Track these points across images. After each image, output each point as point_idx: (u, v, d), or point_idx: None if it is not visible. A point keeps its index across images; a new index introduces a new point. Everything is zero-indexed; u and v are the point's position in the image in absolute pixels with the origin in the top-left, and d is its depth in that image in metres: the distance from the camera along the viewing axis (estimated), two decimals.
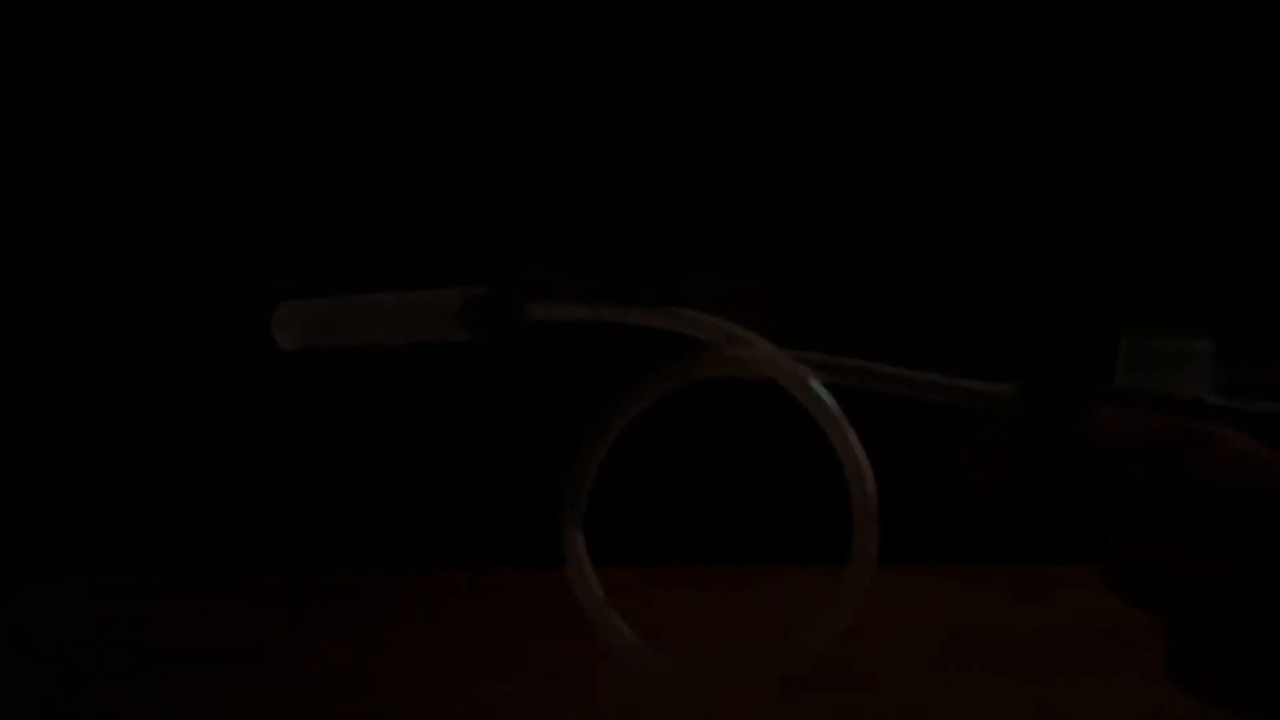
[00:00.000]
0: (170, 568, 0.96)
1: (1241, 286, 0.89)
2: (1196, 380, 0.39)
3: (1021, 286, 0.92)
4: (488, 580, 0.91)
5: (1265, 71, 0.87)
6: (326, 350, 0.44)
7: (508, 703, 0.73)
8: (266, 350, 0.46)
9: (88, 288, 0.94)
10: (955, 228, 0.93)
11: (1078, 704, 0.72)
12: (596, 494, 0.44)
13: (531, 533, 0.91)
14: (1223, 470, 0.36)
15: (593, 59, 0.92)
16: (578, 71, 0.92)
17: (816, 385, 0.43)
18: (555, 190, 0.94)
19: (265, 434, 0.98)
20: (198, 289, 0.94)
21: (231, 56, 0.92)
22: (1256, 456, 0.36)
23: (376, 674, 0.78)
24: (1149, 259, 0.91)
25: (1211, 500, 0.36)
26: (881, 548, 0.42)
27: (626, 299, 0.42)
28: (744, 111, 0.92)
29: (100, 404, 0.98)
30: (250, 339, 0.45)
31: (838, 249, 0.94)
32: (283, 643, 0.83)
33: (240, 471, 0.99)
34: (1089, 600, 0.57)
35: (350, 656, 0.80)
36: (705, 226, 0.93)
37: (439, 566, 0.92)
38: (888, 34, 0.90)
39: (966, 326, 0.90)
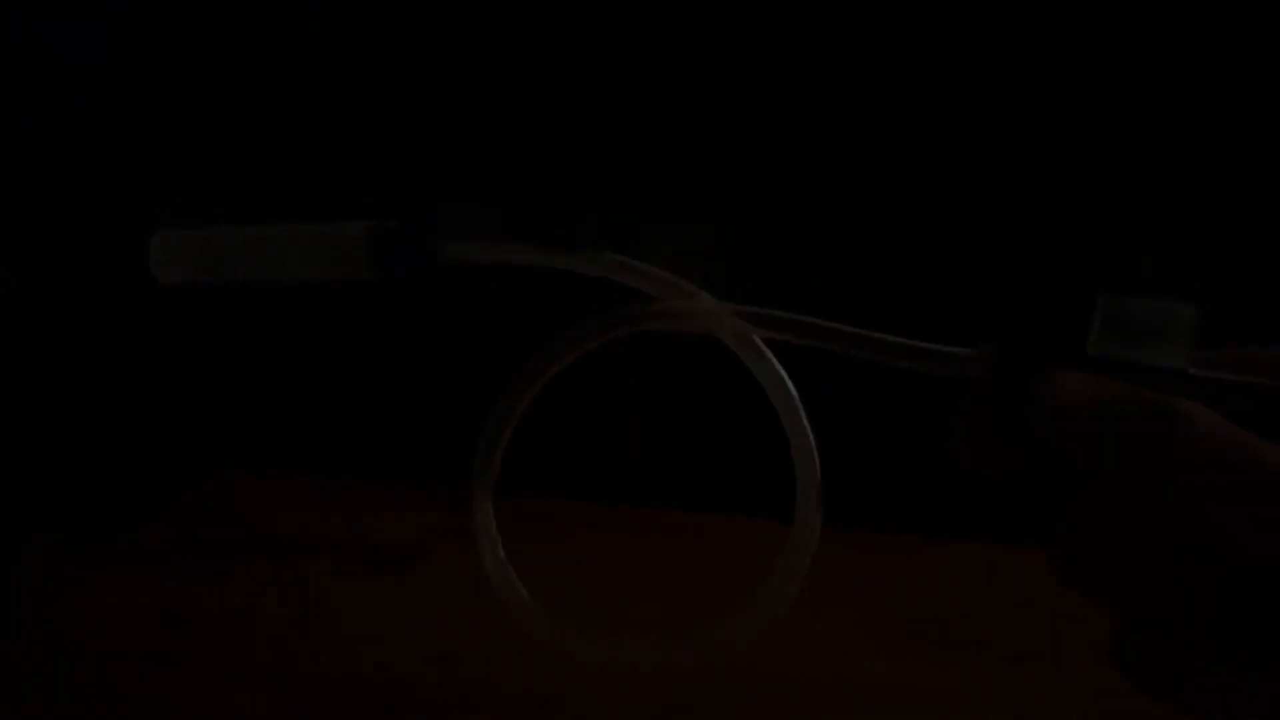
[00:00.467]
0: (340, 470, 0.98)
1: None
2: (1176, 348, 0.37)
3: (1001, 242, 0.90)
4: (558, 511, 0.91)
5: None
6: (213, 285, 0.41)
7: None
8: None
9: (88, 287, 0.94)
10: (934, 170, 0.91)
11: None
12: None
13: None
14: (1186, 450, 0.34)
15: None
16: None
17: (761, 344, 0.40)
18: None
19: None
20: None
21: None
22: (1224, 436, 0.34)
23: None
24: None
25: (1172, 480, 0.34)
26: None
27: (555, 240, 0.40)
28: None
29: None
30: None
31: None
32: (429, 550, 0.87)
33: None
34: None
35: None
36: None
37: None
38: None
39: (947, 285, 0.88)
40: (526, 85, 0.94)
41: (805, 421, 0.40)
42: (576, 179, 0.94)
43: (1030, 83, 0.91)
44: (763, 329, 0.41)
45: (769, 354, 0.41)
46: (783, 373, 0.41)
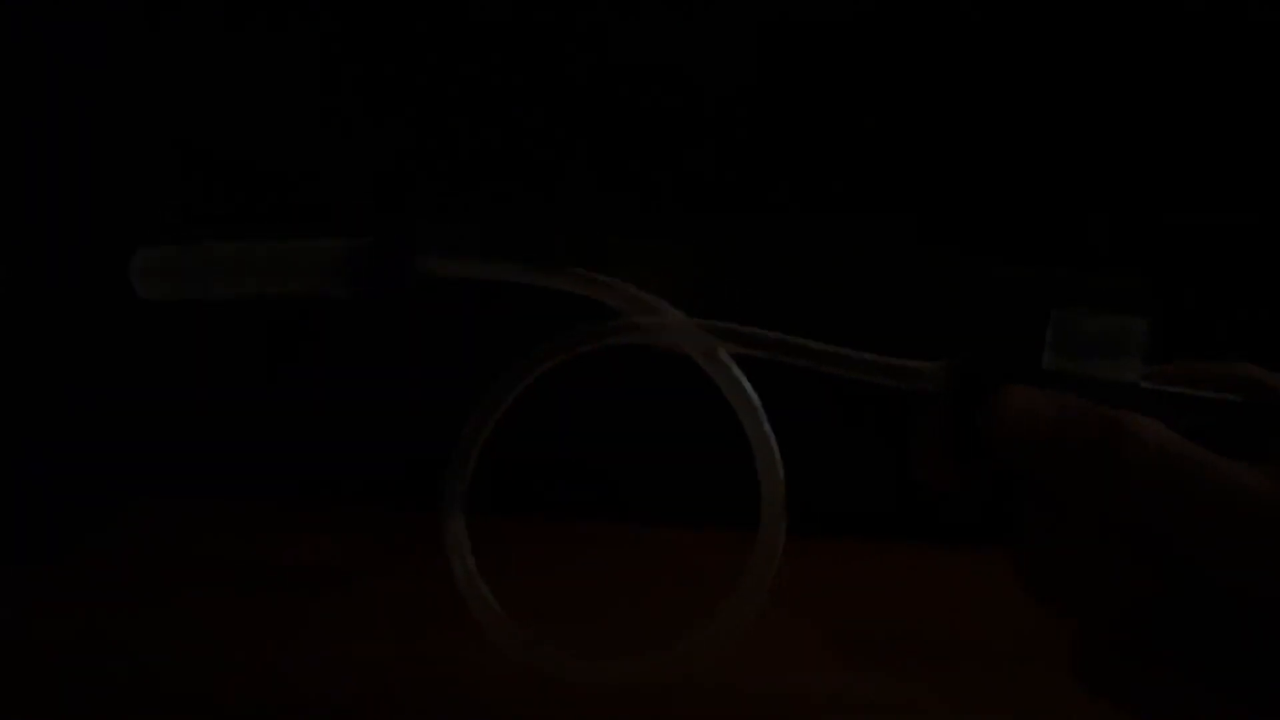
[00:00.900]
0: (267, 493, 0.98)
1: None
2: (1128, 361, 0.39)
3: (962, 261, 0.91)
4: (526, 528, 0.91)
5: None
6: (194, 301, 0.43)
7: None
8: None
9: (87, 287, 0.96)
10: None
11: None
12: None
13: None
14: (1136, 464, 0.35)
15: None
16: None
17: (727, 359, 0.42)
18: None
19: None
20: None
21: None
22: (1172, 450, 0.35)
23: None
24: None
25: (1122, 495, 0.36)
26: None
27: (528, 257, 0.41)
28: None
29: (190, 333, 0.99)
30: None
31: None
32: (355, 572, 0.87)
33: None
34: None
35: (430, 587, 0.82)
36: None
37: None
38: None
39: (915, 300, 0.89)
40: (526, 85, 0.95)
41: (770, 434, 0.42)
42: (576, 179, 0.95)
43: (1030, 82, 0.91)
44: (728, 344, 0.42)
45: (735, 368, 0.42)
46: (748, 386, 0.42)
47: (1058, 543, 0.39)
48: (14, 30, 0.96)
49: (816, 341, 0.42)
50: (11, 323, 1.00)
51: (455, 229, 0.41)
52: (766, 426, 0.42)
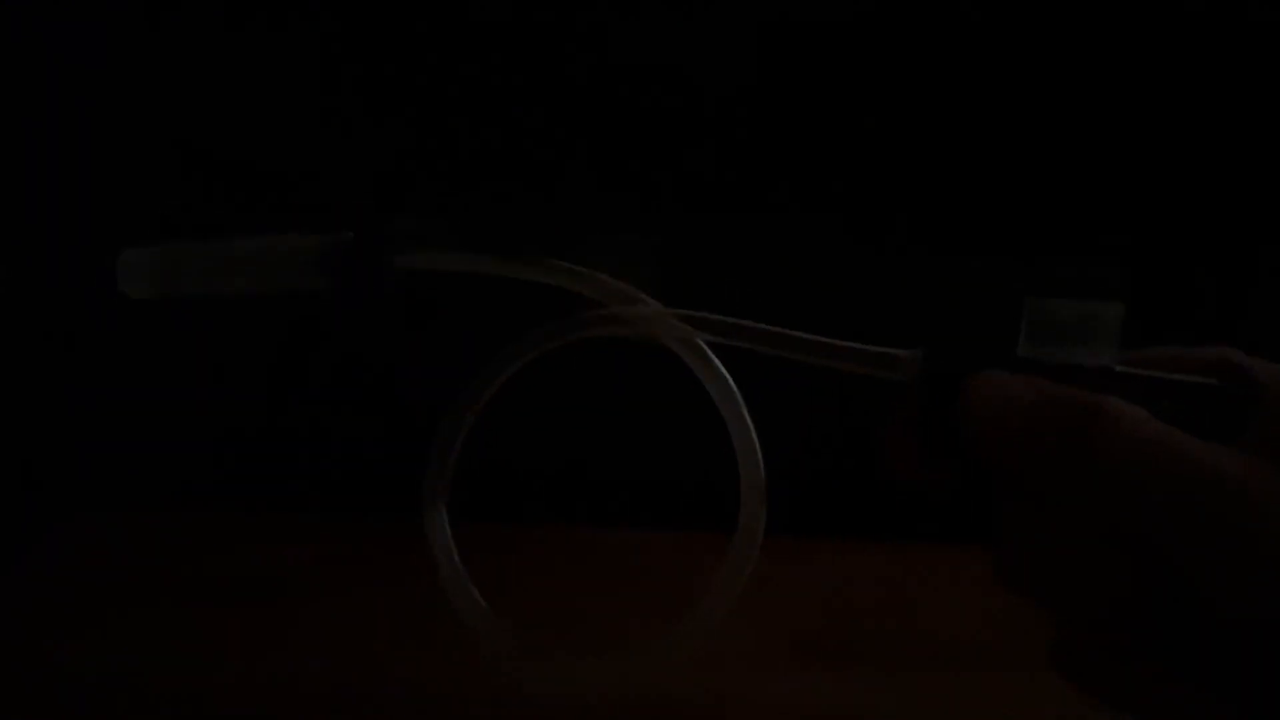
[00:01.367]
0: (205, 507, 0.99)
1: None
2: (1103, 347, 0.39)
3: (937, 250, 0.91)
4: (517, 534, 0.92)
5: None
6: (176, 299, 0.44)
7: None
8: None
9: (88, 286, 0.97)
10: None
11: None
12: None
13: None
14: (1112, 448, 0.36)
15: None
16: None
17: (705, 348, 0.43)
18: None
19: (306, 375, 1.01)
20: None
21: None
22: (1147, 433, 0.36)
23: (406, 617, 0.80)
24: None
25: (1096, 480, 0.36)
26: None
27: (505, 250, 0.42)
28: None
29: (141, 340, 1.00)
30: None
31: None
32: (309, 583, 0.87)
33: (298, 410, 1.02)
34: None
35: (379, 599, 0.84)
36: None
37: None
38: None
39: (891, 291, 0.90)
40: (526, 85, 0.96)
41: (749, 422, 0.43)
42: (576, 179, 0.96)
43: (1030, 82, 0.92)
44: (706, 333, 0.43)
45: (713, 357, 0.43)
46: (727, 375, 0.43)
47: (1034, 534, 0.39)
48: (14, 30, 0.97)
49: (793, 330, 0.42)
50: (11, 323, 1.00)
51: (433, 223, 0.42)
52: (746, 415, 0.43)
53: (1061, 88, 0.92)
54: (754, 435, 0.44)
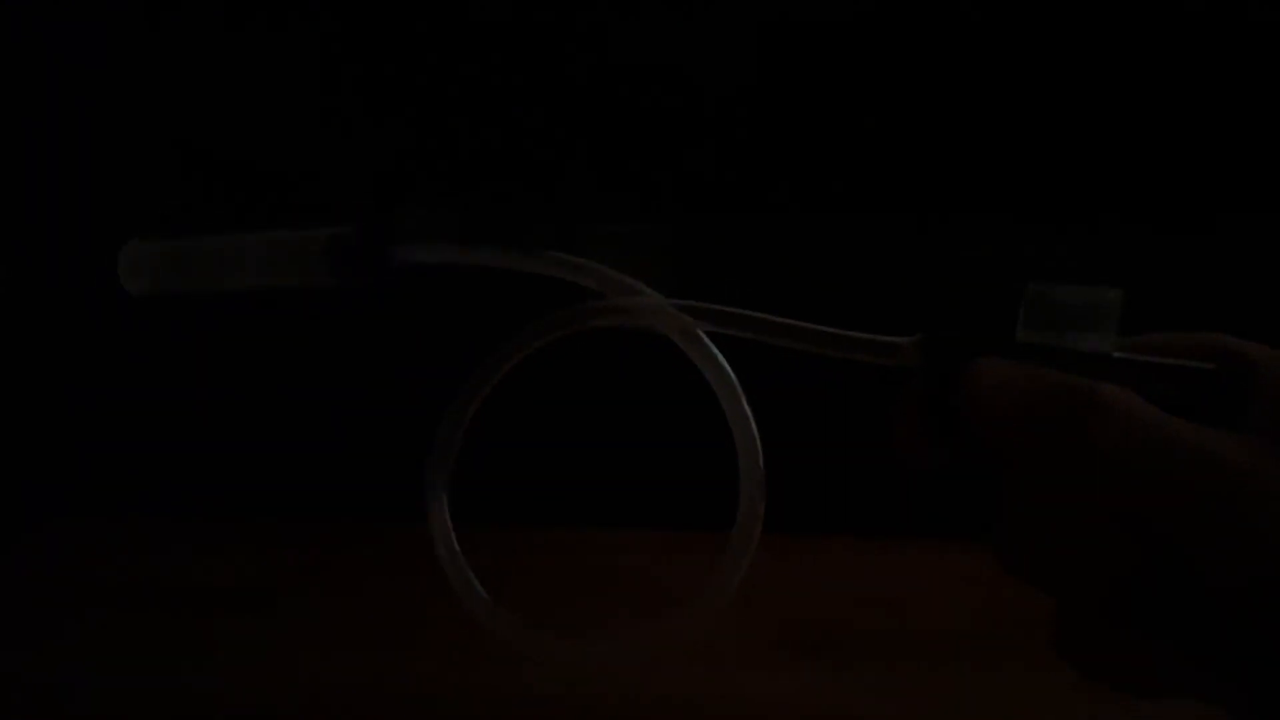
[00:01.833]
0: (187, 512, 1.00)
1: None
2: (1102, 333, 0.39)
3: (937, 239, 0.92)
4: (510, 535, 0.91)
5: None
6: (179, 295, 0.44)
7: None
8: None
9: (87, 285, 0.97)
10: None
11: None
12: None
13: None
14: (1108, 433, 0.36)
15: None
16: None
17: (705, 338, 0.43)
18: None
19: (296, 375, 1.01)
20: None
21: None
22: (1142, 419, 0.36)
23: (384, 622, 0.81)
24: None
25: (1095, 465, 0.36)
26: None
27: (507, 243, 0.43)
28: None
29: (118, 346, 1.00)
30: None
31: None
32: (281, 588, 0.87)
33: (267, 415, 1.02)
34: None
35: (356, 604, 0.84)
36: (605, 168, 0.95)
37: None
38: None
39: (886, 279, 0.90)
40: (526, 85, 0.96)
41: (749, 414, 0.44)
42: (576, 179, 0.97)
43: (1030, 82, 0.93)
44: (707, 323, 0.43)
45: (713, 348, 0.44)
46: (727, 366, 0.44)
47: (1034, 518, 0.39)
48: (14, 30, 0.98)
49: (792, 319, 0.43)
50: (11, 323, 1.01)
51: (434, 217, 0.42)
52: (746, 406, 0.43)
53: (1061, 88, 0.93)
54: (754, 427, 0.44)
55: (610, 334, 0.44)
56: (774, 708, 0.71)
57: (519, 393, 0.47)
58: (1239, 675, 0.36)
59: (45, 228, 1.00)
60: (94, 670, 0.75)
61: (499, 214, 0.42)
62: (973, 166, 0.95)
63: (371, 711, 0.71)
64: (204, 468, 1.02)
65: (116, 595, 0.85)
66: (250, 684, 0.73)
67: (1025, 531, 0.40)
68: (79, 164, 1.00)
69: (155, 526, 0.97)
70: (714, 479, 0.45)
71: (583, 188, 0.96)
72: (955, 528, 0.72)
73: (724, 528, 0.44)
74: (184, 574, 0.89)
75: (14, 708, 0.71)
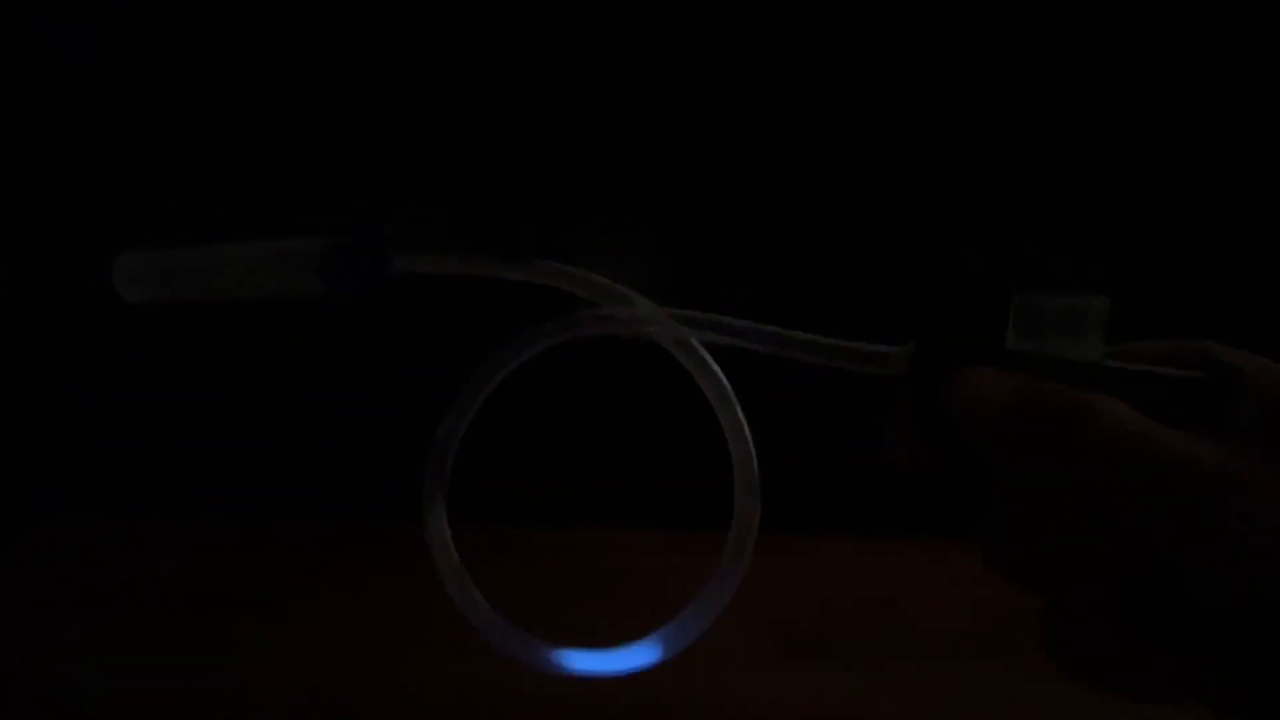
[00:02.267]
0: (188, 512, 1.00)
1: None
2: (1090, 340, 0.40)
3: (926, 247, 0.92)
4: (507, 536, 0.92)
5: None
6: (175, 304, 0.44)
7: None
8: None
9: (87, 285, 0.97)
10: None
11: None
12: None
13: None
14: (1095, 441, 0.37)
15: None
16: None
17: (698, 346, 0.44)
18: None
19: (295, 378, 1.01)
20: None
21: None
22: (1130, 427, 0.37)
23: (388, 621, 0.81)
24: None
25: (1083, 472, 0.37)
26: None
27: (500, 252, 0.43)
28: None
29: (118, 346, 1.01)
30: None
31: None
32: (283, 588, 0.87)
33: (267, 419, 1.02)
34: None
35: (360, 603, 0.84)
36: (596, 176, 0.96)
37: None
38: None
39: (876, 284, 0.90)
40: (526, 85, 0.97)
41: (743, 421, 0.44)
42: (576, 179, 0.97)
43: (1029, 82, 0.93)
44: (699, 331, 0.44)
45: (707, 355, 0.44)
46: (720, 374, 0.44)
47: (1023, 523, 0.40)
48: (14, 30, 0.98)
49: (784, 328, 0.43)
50: (11, 323, 1.01)
51: (428, 226, 0.43)
52: (740, 414, 0.44)
53: (1061, 88, 0.93)
54: (748, 434, 0.44)
55: (608, 337, 0.44)
56: (773, 707, 0.71)
57: (517, 393, 0.47)
58: (1224, 677, 0.37)
59: (45, 228, 1.00)
60: (94, 670, 0.75)
61: (491, 221, 0.42)
62: (972, 166, 0.95)
63: (371, 711, 0.71)
64: (204, 468, 1.02)
65: (116, 595, 0.86)
66: (250, 684, 0.74)
67: (1014, 534, 0.40)
68: (79, 164, 1.00)
69: (155, 526, 0.97)
70: (715, 478, 0.45)
71: (583, 188, 0.96)
72: (953, 528, 0.72)
73: (726, 526, 0.45)
74: (184, 574, 0.90)
75: (14, 707, 0.71)
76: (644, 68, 0.96)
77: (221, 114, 0.99)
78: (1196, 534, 0.35)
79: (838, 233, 0.96)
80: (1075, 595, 0.39)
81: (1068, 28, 0.92)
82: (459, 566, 0.44)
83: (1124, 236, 0.95)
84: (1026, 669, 0.41)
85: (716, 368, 0.44)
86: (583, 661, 0.47)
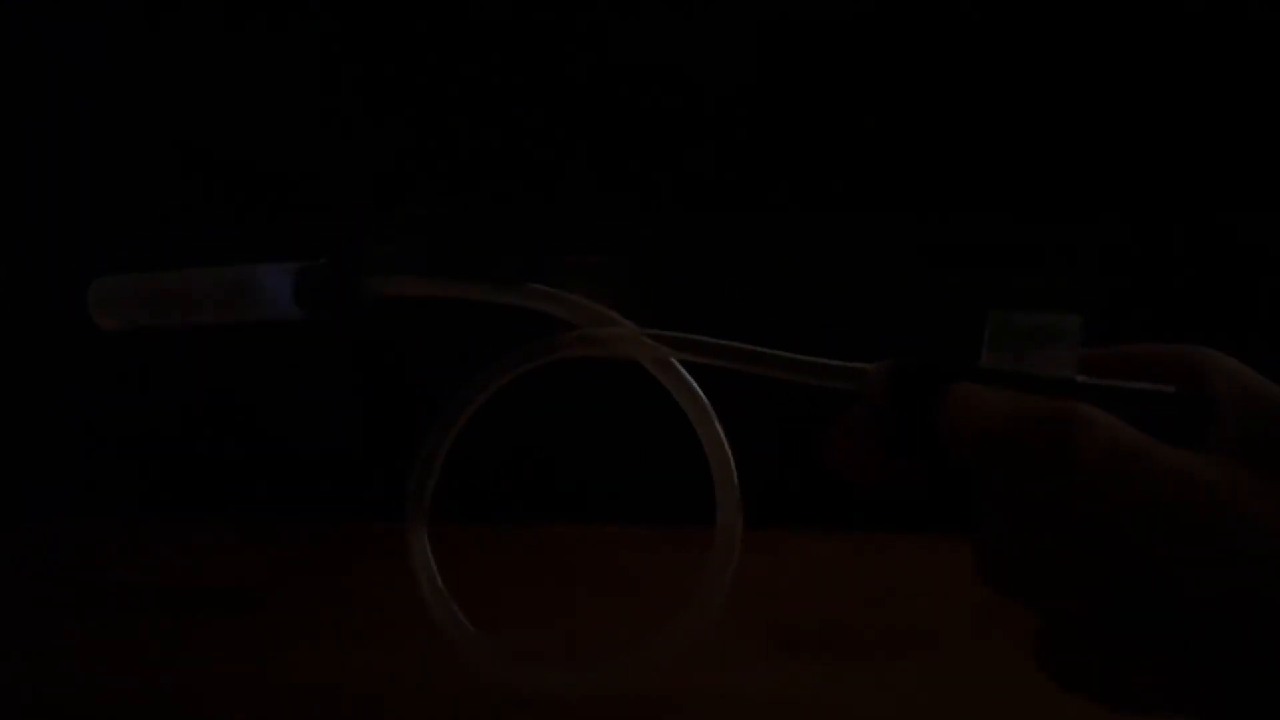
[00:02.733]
0: (169, 511, 1.00)
1: None
2: (1064, 357, 0.40)
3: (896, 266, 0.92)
4: (485, 534, 0.92)
5: None
6: (149, 330, 0.44)
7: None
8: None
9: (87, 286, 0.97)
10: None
11: None
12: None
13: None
14: (1090, 454, 0.37)
15: None
16: None
17: (679, 366, 0.44)
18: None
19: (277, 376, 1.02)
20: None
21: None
22: (1123, 440, 0.37)
23: (370, 622, 0.81)
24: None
25: (1077, 486, 0.37)
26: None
27: (479, 273, 0.43)
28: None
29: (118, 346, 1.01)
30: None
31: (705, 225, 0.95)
32: (275, 588, 0.88)
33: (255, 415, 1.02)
34: None
35: (343, 604, 0.84)
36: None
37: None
38: None
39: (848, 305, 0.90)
40: (526, 85, 0.97)
41: (723, 438, 0.44)
42: (576, 179, 0.97)
43: (1029, 82, 0.93)
44: (679, 352, 0.44)
45: (687, 376, 0.44)
46: (700, 392, 0.44)
47: (1015, 538, 0.40)
48: (14, 30, 0.98)
49: (760, 347, 0.43)
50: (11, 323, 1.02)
51: (407, 249, 0.43)
52: (720, 431, 0.44)
53: (1061, 88, 0.93)
54: (729, 452, 0.45)
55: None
56: (766, 705, 0.72)
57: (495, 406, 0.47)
58: (1214, 687, 0.37)
59: (45, 228, 1.00)
60: (93, 670, 0.75)
61: (466, 245, 0.42)
62: (972, 166, 0.94)
63: (370, 711, 0.72)
64: (203, 468, 1.02)
65: (115, 595, 0.86)
66: (250, 684, 0.74)
67: (1006, 547, 0.40)
68: (79, 164, 1.00)
69: (154, 527, 0.97)
70: (698, 471, 0.45)
71: (583, 188, 0.96)
72: (941, 523, 0.72)
73: (708, 518, 0.45)
74: (183, 574, 0.90)
75: (11, 707, 0.72)
76: (644, 68, 0.96)
77: (221, 114, 0.99)
78: (1187, 542, 0.35)
79: (838, 233, 0.95)
80: (1065, 605, 0.39)
81: (1068, 28, 0.92)
82: (441, 589, 0.44)
83: (1124, 236, 0.94)
84: (1017, 665, 0.41)
85: (695, 386, 0.44)
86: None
